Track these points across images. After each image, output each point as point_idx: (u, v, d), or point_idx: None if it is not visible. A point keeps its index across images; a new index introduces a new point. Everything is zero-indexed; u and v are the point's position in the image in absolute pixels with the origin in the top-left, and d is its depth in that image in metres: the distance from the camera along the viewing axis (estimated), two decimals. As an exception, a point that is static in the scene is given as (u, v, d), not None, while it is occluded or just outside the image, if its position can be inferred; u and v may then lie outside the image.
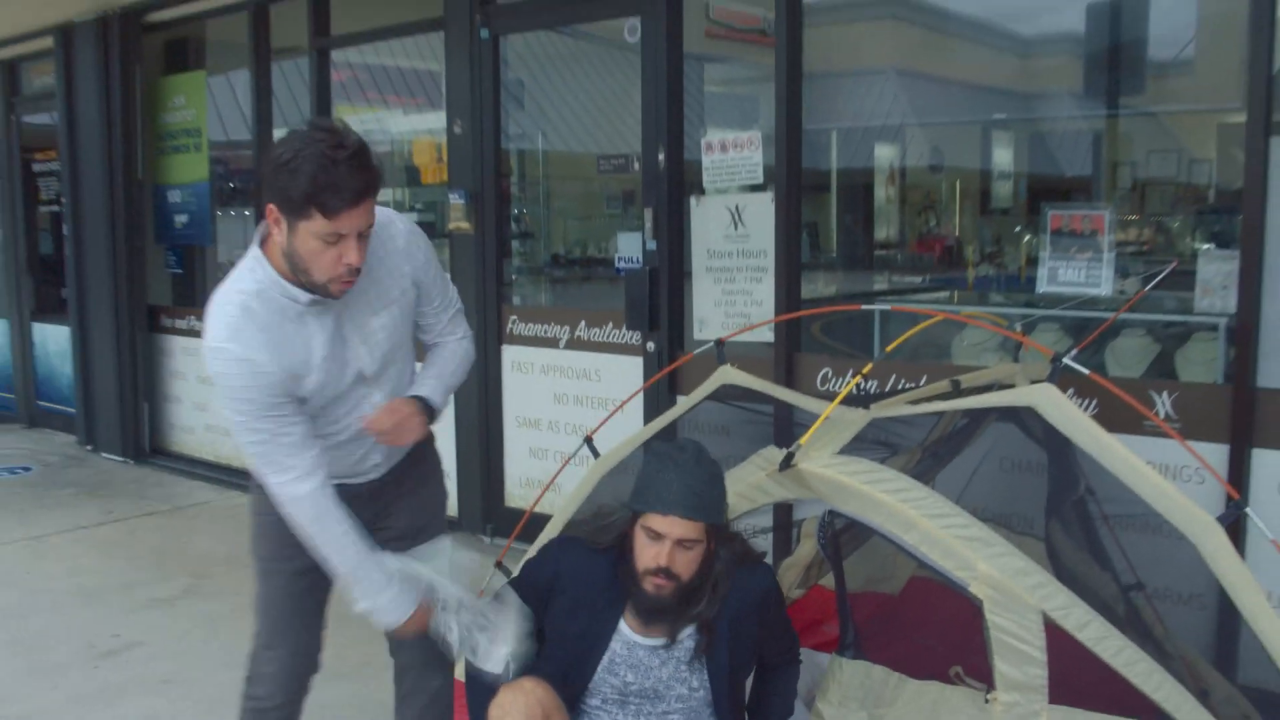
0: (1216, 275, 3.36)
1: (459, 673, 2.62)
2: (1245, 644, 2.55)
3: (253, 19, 6.30)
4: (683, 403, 3.41)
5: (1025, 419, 2.67)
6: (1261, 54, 3.13)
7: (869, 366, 3.25)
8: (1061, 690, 2.16)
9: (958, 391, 3.22)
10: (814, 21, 4.15)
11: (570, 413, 4.94)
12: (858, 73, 5.50)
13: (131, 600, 4.57)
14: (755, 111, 4.83)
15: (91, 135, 7.06)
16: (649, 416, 4.22)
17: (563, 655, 2.41)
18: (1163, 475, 2.38)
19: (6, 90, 8.39)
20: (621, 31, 4.63)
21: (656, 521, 2.21)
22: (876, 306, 4.14)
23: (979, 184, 6.21)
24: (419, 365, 2.51)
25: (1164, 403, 3.34)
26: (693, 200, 4.45)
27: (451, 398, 2.59)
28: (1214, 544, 2.28)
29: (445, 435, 4.18)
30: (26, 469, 7.07)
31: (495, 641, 2.36)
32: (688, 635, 2.38)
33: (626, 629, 2.40)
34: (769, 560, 2.87)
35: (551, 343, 4.99)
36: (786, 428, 3.20)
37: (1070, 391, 3.23)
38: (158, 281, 7.24)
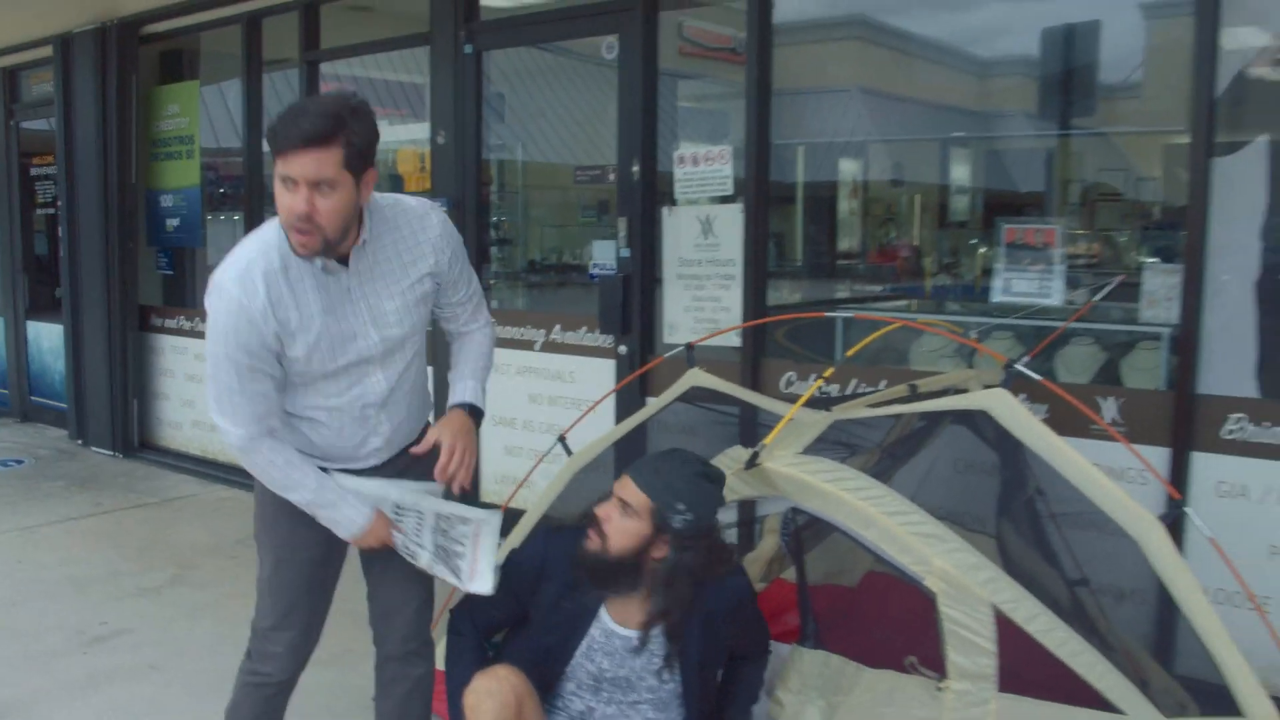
0: (1160, 288, 3.47)
1: (439, 662, 2.69)
2: (1182, 636, 2.67)
3: (246, 32, 6.35)
4: (653, 404, 3.50)
5: (979, 422, 2.75)
6: (1204, 80, 3.24)
7: (830, 370, 3.34)
8: (1010, 679, 2.24)
9: (915, 395, 3.29)
10: (783, 41, 4.23)
11: (545, 412, 5.01)
12: (824, 91, 5.61)
13: (119, 589, 4.60)
14: (726, 126, 4.91)
15: (88, 141, 7.06)
16: (620, 417, 4.28)
17: (545, 637, 2.49)
18: (1108, 476, 2.48)
19: (6, 97, 8.37)
20: (600, 49, 4.70)
21: None
22: (839, 314, 4.23)
23: (938, 198, 6.31)
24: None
25: (1110, 408, 3.45)
26: (665, 210, 4.53)
27: (431, 397, 2.66)
28: (1155, 542, 2.39)
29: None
30: (19, 462, 7.07)
31: (476, 562, 2.42)
32: (658, 634, 2.45)
33: (607, 617, 2.48)
34: (734, 555, 2.94)
35: (527, 345, 5.06)
36: (752, 428, 3.28)
37: (1022, 396, 3.33)
38: (148, 282, 7.26)
